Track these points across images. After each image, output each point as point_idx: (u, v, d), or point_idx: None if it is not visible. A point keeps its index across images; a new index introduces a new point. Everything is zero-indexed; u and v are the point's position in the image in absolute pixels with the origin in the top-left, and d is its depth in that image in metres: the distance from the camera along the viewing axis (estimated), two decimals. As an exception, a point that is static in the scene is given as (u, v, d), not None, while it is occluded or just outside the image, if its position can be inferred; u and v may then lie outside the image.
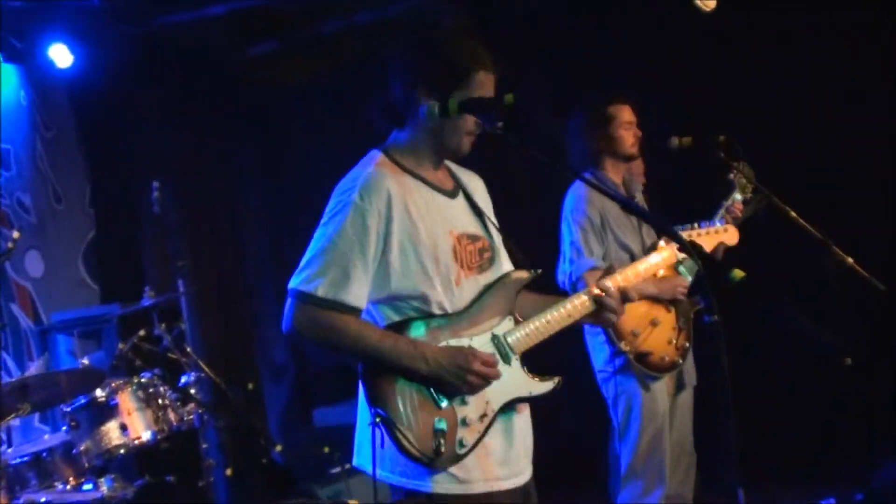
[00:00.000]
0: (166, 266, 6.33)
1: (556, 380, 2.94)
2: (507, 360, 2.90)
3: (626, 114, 4.67)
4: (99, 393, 4.76)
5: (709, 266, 2.76)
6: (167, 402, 4.96)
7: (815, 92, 5.63)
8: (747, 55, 5.77)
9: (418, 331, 2.84)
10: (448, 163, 3.08)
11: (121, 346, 5.30)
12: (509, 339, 2.92)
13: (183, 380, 5.25)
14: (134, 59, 6.54)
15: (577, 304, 3.02)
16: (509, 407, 2.90)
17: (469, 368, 2.78)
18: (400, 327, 2.85)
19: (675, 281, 4.47)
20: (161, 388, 4.97)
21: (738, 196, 4.55)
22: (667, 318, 4.48)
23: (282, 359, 7.28)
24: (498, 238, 3.07)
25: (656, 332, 4.44)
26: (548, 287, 3.36)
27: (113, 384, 4.82)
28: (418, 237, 2.85)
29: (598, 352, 4.55)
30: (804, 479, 5.56)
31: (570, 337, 4.58)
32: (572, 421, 5.83)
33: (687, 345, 4.53)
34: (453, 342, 2.85)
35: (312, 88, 7.30)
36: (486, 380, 2.81)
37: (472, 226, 3.01)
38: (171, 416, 4.95)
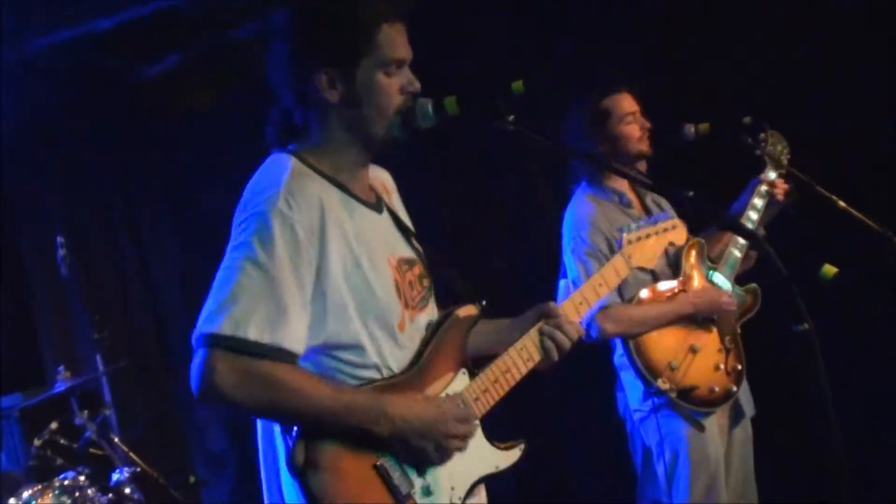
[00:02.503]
0: (70, 341, 6.23)
1: (522, 445, 2.89)
2: None
3: (625, 104, 4.65)
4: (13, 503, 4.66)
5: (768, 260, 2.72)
6: (98, 506, 4.84)
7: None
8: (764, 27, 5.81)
9: None
10: None
11: (36, 442, 5.17)
12: (467, 401, 2.81)
13: (115, 477, 5.18)
14: (4, 95, 6.44)
15: (534, 342, 2.96)
16: (470, 492, 2.79)
17: (444, 431, 2.67)
18: None
19: (712, 293, 4.48)
20: (89, 491, 4.89)
21: (772, 174, 4.60)
22: (708, 341, 4.47)
23: (219, 445, 7.18)
24: (423, 258, 2.96)
25: (698, 359, 4.43)
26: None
27: (30, 490, 4.74)
28: (355, 266, 2.67)
29: (632, 388, 4.52)
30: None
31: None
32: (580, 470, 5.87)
33: (739, 367, 4.52)
34: None
35: (226, 108, 7.25)
36: (462, 442, 2.71)
37: (403, 247, 2.90)
38: (106, 523, 4.87)
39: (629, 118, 4.63)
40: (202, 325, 2.51)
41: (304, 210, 2.59)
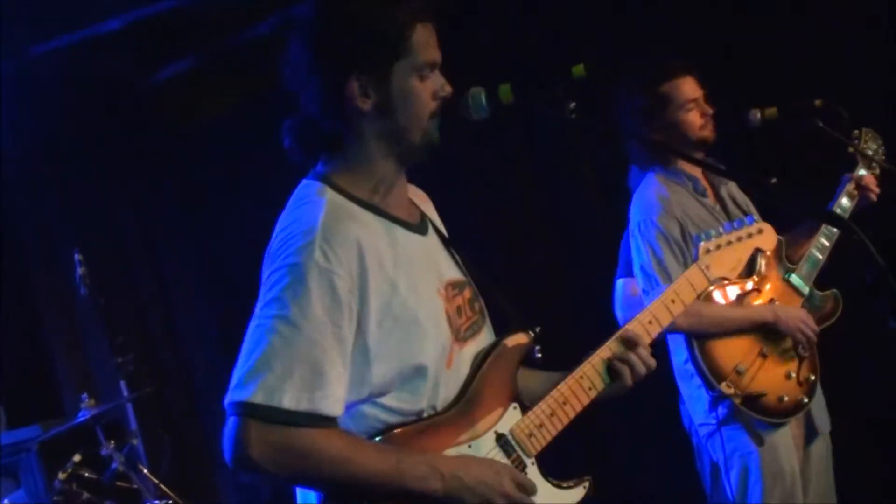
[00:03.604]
0: (88, 367, 6.25)
1: (586, 482, 2.85)
2: (520, 467, 2.77)
3: (687, 89, 4.62)
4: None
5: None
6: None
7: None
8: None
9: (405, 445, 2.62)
10: None
11: (61, 475, 5.17)
12: (520, 438, 2.78)
13: (145, 511, 5.17)
14: (8, 103, 6.47)
15: (597, 369, 2.90)
16: None
17: (502, 490, 2.62)
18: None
19: (800, 316, 4.44)
20: (118, 525, 4.90)
21: (863, 171, 4.58)
22: (779, 347, 4.44)
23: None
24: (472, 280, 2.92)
25: (768, 365, 4.40)
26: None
27: (56, 527, 4.74)
28: (401, 302, 2.62)
29: (695, 399, 4.49)
30: None
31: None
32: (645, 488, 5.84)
33: (812, 377, 4.48)
34: (452, 452, 2.67)
35: (244, 113, 7.26)
36: None
37: (451, 269, 2.86)
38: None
39: (690, 104, 4.60)
40: (234, 392, 2.49)
41: (342, 259, 2.53)
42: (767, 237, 3.41)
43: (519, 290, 6.41)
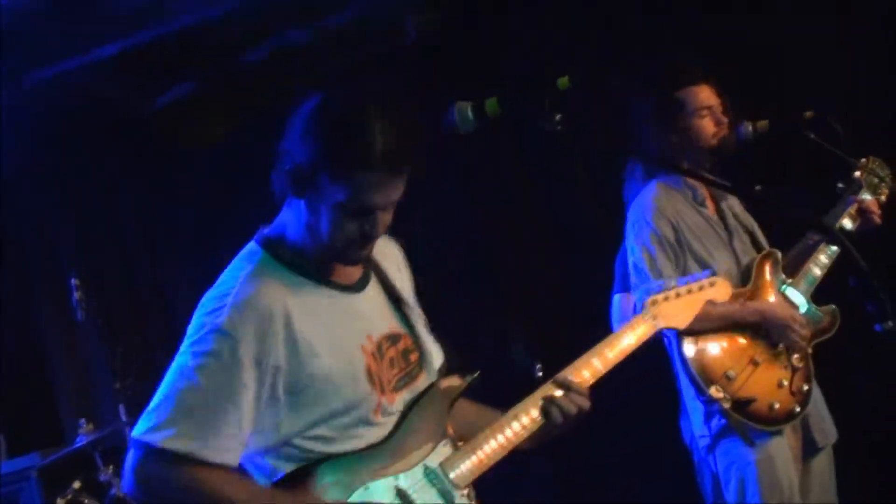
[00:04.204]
0: (88, 392, 6.25)
1: None
2: (447, 499, 2.89)
3: (702, 96, 4.63)
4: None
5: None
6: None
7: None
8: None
9: (327, 477, 2.79)
10: None
11: (59, 501, 5.19)
12: (449, 472, 2.91)
13: (146, 536, 5.14)
14: (6, 129, 6.50)
15: (530, 410, 3.03)
16: None
17: None
18: (302, 476, 2.80)
19: (786, 312, 4.44)
20: (118, 551, 4.90)
21: (867, 196, 4.60)
22: (772, 356, 4.44)
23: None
24: (422, 325, 3.07)
25: (759, 373, 4.39)
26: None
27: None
28: (316, 366, 2.79)
29: (693, 412, 4.50)
30: None
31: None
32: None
33: (806, 387, 4.46)
34: (378, 484, 2.81)
35: (242, 137, 7.29)
36: None
37: (389, 322, 3.00)
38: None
39: (704, 111, 4.62)
40: (136, 427, 2.76)
41: (249, 327, 2.72)
42: (720, 290, 3.54)
43: (519, 302, 6.54)
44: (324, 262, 2.89)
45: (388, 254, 3.14)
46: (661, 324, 3.39)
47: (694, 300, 3.48)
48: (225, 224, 7.38)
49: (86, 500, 5.39)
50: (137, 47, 6.50)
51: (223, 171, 7.26)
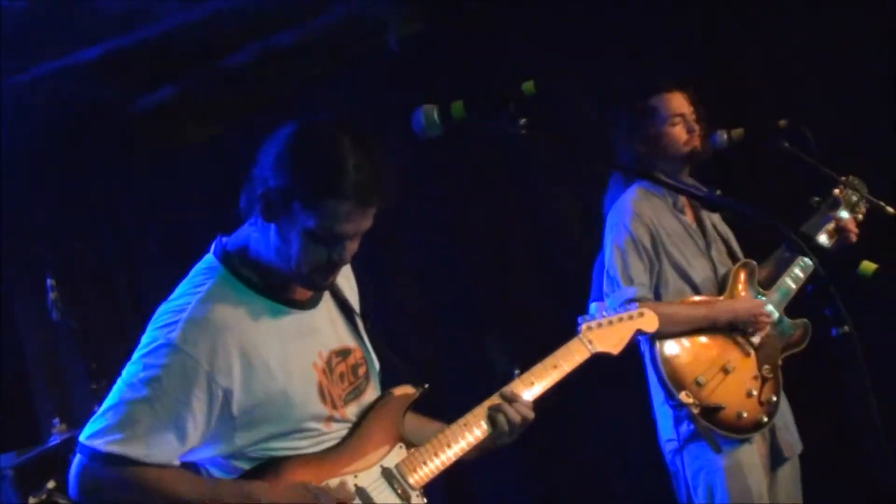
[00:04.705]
0: (65, 392, 6.25)
1: None
2: (404, 499, 2.98)
3: (675, 104, 4.69)
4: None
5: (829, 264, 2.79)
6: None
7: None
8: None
9: (286, 474, 2.86)
10: None
11: (32, 500, 5.19)
12: (405, 474, 3.01)
13: (117, 536, 5.13)
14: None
15: (478, 418, 3.15)
16: None
17: None
18: (260, 472, 2.86)
19: (752, 303, 4.51)
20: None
21: (845, 214, 4.64)
22: (744, 364, 4.49)
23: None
24: (368, 341, 3.16)
25: (729, 380, 4.44)
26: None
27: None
28: (270, 381, 2.85)
29: (662, 416, 4.55)
30: None
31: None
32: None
33: (775, 398, 4.51)
34: (337, 481, 2.89)
35: (225, 139, 7.30)
36: None
37: (340, 337, 3.08)
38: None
39: (677, 119, 4.67)
40: (84, 431, 2.83)
41: (202, 345, 2.77)
42: (648, 320, 3.72)
43: (498, 308, 6.55)
44: (285, 284, 2.95)
45: (341, 274, 3.17)
46: (596, 348, 3.55)
47: (624, 328, 3.65)
48: (204, 226, 7.38)
49: (60, 500, 5.38)
50: (120, 50, 6.48)
51: (204, 174, 7.27)
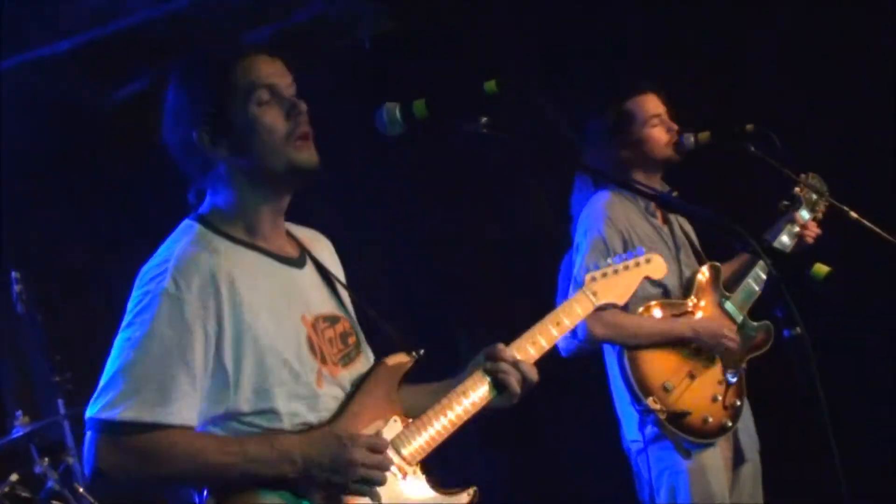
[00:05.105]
0: (30, 385, 6.24)
1: (471, 491, 2.95)
2: (402, 474, 2.88)
3: (650, 105, 4.71)
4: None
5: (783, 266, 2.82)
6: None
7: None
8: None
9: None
10: (288, 224, 3.01)
11: (-8, 495, 5.20)
12: (401, 449, 2.89)
13: (80, 531, 5.16)
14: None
15: (480, 384, 3.03)
16: None
17: (350, 459, 2.72)
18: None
19: (716, 324, 4.51)
20: (52, 546, 4.90)
21: (805, 214, 4.67)
22: (709, 370, 4.51)
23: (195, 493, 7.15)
24: (353, 315, 3.06)
25: (695, 386, 4.46)
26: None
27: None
28: (259, 330, 2.76)
29: (626, 417, 4.55)
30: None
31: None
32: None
33: (738, 403, 4.54)
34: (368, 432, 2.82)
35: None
36: (377, 471, 2.76)
37: (326, 304, 2.99)
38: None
39: (655, 120, 4.69)
40: (88, 408, 2.69)
41: (193, 287, 2.69)
42: (656, 266, 3.58)
43: (466, 301, 6.59)
44: (267, 222, 2.89)
45: (321, 246, 3.14)
46: (600, 300, 3.43)
47: (631, 276, 3.52)
48: (173, 219, 7.38)
49: (22, 494, 5.37)
50: (93, 43, 6.47)
51: (174, 166, 7.24)
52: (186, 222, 2.88)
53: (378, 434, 2.84)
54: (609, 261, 3.52)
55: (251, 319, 2.74)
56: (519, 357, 3.08)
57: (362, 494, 2.75)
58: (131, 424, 2.61)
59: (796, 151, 4.71)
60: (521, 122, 3.36)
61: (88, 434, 2.67)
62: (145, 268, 2.78)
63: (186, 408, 2.67)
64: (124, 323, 2.72)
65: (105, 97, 7.18)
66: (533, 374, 3.07)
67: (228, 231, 2.84)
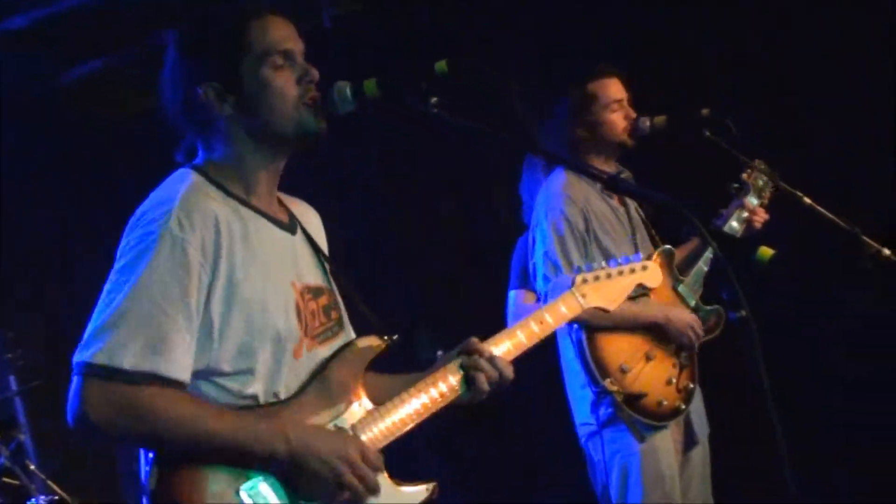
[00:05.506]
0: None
1: (431, 486, 2.88)
2: None
3: (612, 89, 4.73)
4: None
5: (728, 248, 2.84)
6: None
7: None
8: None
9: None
10: (279, 193, 2.97)
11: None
12: (362, 435, 2.81)
13: (30, 508, 5.12)
14: None
15: (451, 377, 2.95)
16: None
17: (348, 458, 2.68)
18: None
19: (689, 318, 4.54)
20: (2, 523, 4.88)
21: (753, 200, 4.69)
22: (665, 352, 4.54)
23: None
24: (336, 291, 3.01)
25: (650, 368, 4.49)
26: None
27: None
28: (250, 286, 2.69)
29: (579, 400, 4.57)
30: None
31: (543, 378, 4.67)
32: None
33: (691, 385, 4.58)
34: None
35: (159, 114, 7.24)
36: (362, 488, 2.70)
37: (313, 275, 2.94)
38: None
39: (615, 105, 4.72)
40: (78, 352, 2.56)
41: (198, 230, 2.63)
42: (651, 274, 3.45)
43: (423, 294, 6.59)
44: (264, 184, 2.85)
45: (310, 218, 3.09)
46: (589, 303, 3.33)
47: (624, 282, 3.40)
48: (137, 200, 7.34)
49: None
50: (50, 19, 6.42)
51: (136, 148, 7.22)
52: (182, 170, 2.81)
53: (378, 456, 2.78)
54: (602, 263, 3.41)
55: (243, 275, 2.68)
56: (496, 353, 3.04)
57: (339, 497, 2.69)
58: (128, 373, 2.50)
59: (751, 136, 4.77)
60: (475, 103, 3.33)
61: (76, 379, 2.53)
62: (142, 209, 2.69)
63: (183, 356, 2.57)
64: (120, 264, 2.63)
65: (63, 74, 7.12)
66: (508, 372, 3.02)
67: (225, 185, 2.78)
